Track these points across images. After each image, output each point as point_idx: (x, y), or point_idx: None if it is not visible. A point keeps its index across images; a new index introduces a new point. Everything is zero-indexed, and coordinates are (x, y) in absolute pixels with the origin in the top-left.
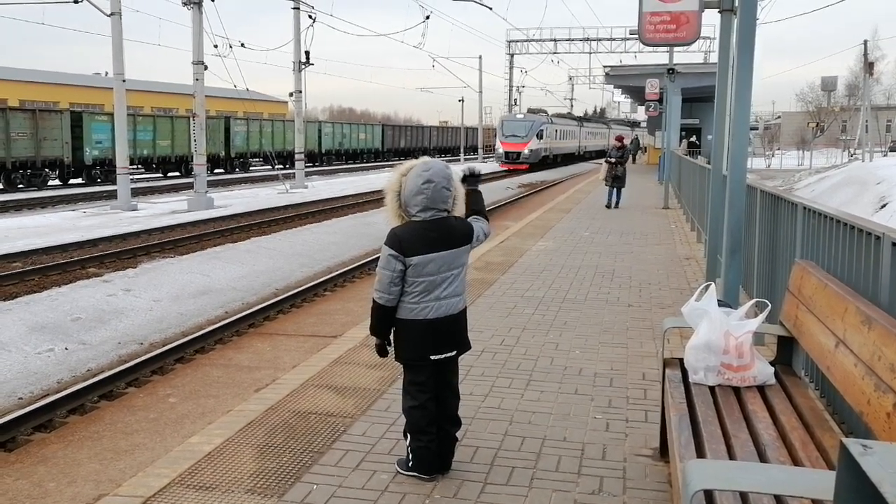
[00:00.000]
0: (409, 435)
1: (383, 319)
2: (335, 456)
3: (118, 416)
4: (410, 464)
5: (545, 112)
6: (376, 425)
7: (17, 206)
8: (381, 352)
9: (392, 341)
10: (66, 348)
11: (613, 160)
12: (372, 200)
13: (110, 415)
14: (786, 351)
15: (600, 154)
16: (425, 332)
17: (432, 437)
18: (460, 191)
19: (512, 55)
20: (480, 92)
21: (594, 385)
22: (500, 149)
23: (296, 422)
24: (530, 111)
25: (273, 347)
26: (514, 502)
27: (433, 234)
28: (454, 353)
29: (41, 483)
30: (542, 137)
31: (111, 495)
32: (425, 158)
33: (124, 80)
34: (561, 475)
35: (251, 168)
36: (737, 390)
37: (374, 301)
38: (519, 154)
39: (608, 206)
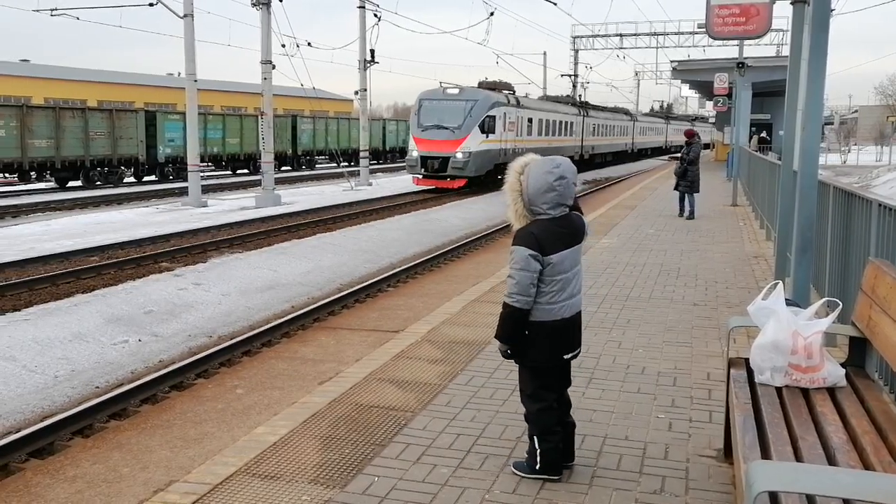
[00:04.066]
0: (536, 438)
1: (519, 323)
2: (396, 449)
3: (188, 406)
4: (538, 466)
5: (510, 89)
6: (437, 420)
7: (95, 203)
8: (508, 356)
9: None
10: (140, 340)
11: (680, 156)
12: (434, 198)
13: (180, 404)
14: (858, 352)
15: (620, 157)
16: (562, 332)
17: (560, 436)
18: None
19: (576, 51)
20: (545, 88)
21: (657, 384)
22: (415, 151)
23: (358, 414)
24: (482, 85)
25: (337, 341)
26: (574, 500)
27: (565, 230)
28: (578, 349)
29: (116, 468)
30: (492, 130)
31: (181, 481)
32: (532, 156)
33: (196, 80)
34: (622, 474)
35: (317, 165)
36: (805, 392)
37: (508, 306)
38: (446, 160)
39: (680, 215)
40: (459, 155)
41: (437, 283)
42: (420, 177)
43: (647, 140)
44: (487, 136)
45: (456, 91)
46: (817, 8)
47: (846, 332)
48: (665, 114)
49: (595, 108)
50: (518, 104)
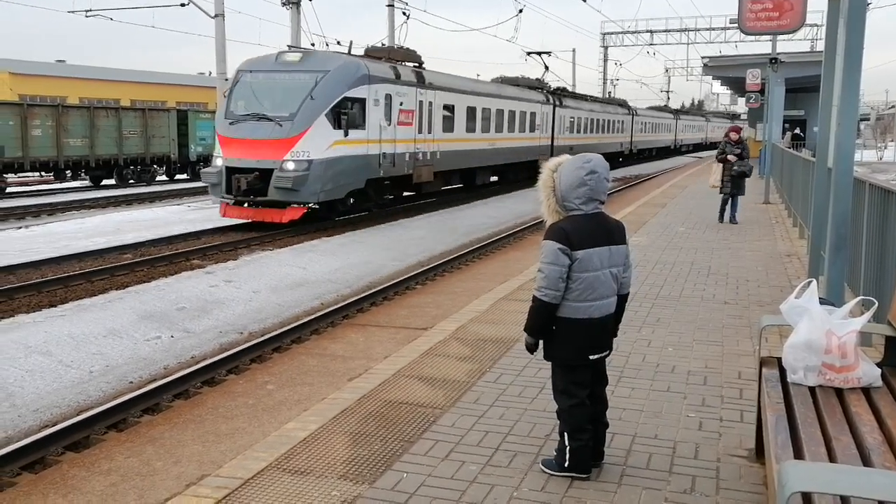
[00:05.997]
0: (566, 435)
1: (547, 318)
2: (425, 446)
3: (219, 402)
4: (567, 464)
5: (415, 60)
6: (465, 417)
7: (128, 201)
8: (533, 350)
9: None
10: (172, 336)
11: (735, 157)
12: (458, 197)
13: (212, 400)
14: (894, 352)
15: (613, 160)
16: (588, 332)
17: (591, 434)
18: None
19: (606, 48)
20: (574, 86)
21: (687, 383)
22: (219, 159)
23: (387, 411)
24: (368, 53)
25: (366, 338)
26: (604, 499)
27: (595, 227)
28: (607, 352)
29: (149, 462)
30: (357, 123)
31: (213, 476)
32: (566, 156)
33: (227, 79)
34: (651, 473)
35: None
36: (839, 392)
37: (537, 299)
38: (267, 174)
39: (721, 220)
40: (290, 164)
41: (464, 281)
42: (229, 202)
43: (650, 139)
44: (347, 133)
45: (296, 57)
46: (853, 1)
47: (882, 332)
48: (673, 108)
49: (574, 96)
50: (421, 82)
